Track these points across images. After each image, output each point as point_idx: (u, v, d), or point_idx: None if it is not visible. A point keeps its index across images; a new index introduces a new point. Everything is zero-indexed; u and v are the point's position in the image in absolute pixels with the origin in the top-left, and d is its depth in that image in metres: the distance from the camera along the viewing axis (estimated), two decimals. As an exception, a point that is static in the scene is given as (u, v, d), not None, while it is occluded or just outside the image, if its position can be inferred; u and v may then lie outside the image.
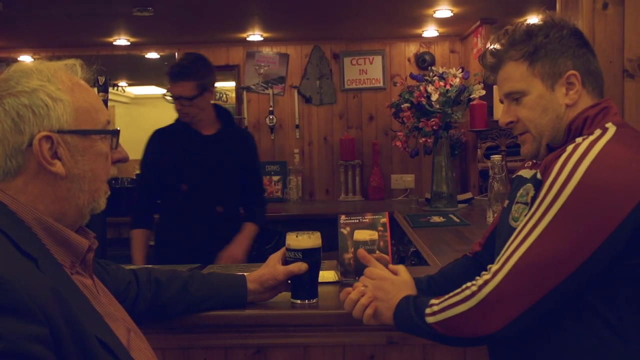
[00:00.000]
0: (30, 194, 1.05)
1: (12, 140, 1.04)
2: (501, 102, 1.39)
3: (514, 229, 1.26)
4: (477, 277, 1.21)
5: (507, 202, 1.40)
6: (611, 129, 1.22)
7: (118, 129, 1.16)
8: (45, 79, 1.07)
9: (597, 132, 1.22)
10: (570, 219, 1.13)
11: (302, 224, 3.62)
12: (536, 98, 1.30)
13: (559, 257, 1.13)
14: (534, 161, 1.38)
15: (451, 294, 1.23)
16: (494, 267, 1.18)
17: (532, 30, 1.31)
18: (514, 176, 1.44)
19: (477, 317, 1.18)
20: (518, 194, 1.31)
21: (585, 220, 1.12)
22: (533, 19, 3.93)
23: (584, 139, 1.21)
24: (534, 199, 1.24)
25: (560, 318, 1.21)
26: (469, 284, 1.22)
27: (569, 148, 1.20)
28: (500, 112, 1.40)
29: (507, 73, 1.33)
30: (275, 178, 4.66)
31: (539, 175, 1.27)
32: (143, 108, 5.36)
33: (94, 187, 1.11)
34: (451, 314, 1.21)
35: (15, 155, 1.04)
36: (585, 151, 1.16)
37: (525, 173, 1.36)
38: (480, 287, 1.18)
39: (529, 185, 1.29)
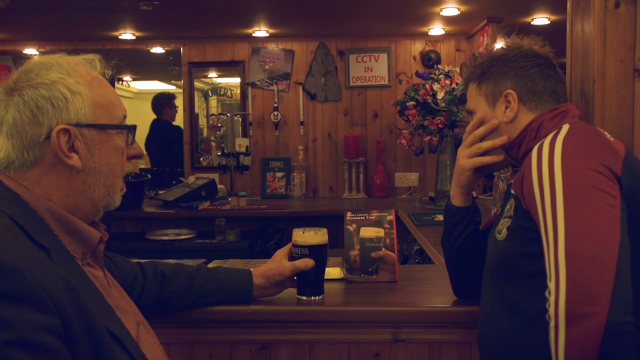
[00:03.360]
0: (45, 186, 1.05)
1: (30, 132, 1.04)
2: None
3: (499, 241, 1.30)
4: (547, 317, 1.08)
5: (499, 210, 1.41)
6: (565, 127, 1.28)
7: (135, 124, 1.16)
8: (65, 72, 1.07)
9: (553, 132, 1.27)
10: (581, 196, 1.11)
11: (305, 221, 3.61)
12: (481, 115, 1.44)
13: (598, 229, 1.08)
14: None
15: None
16: (552, 284, 1.07)
17: (486, 55, 1.46)
18: (509, 182, 1.46)
19: (579, 333, 1.03)
20: (505, 209, 1.34)
21: (594, 193, 1.11)
22: (541, 19, 3.92)
23: (541, 142, 1.25)
24: (516, 210, 1.27)
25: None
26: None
27: (534, 153, 1.23)
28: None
29: (468, 93, 1.49)
30: (279, 174, 4.66)
31: (512, 190, 1.30)
32: (146, 103, 5.35)
33: (109, 182, 1.11)
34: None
35: (33, 147, 1.04)
36: (551, 147, 1.20)
37: None
38: (556, 314, 1.05)
39: (512, 199, 1.31)
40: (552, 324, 1.05)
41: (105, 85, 1.13)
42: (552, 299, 1.06)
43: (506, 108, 1.39)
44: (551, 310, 1.06)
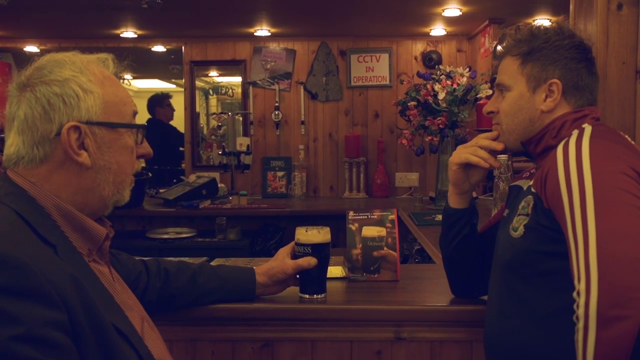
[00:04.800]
0: (54, 183, 1.06)
1: (41, 128, 1.04)
2: (488, 96, 1.44)
3: (514, 238, 1.29)
4: (574, 317, 1.07)
5: (507, 211, 1.41)
6: (587, 128, 1.26)
7: (144, 124, 1.17)
8: (78, 70, 1.08)
9: (575, 132, 1.26)
10: (611, 198, 1.11)
11: (306, 220, 3.59)
12: (516, 95, 1.36)
13: (630, 232, 1.07)
14: (531, 171, 1.41)
15: None
16: (581, 286, 1.06)
17: (536, 32, 1.36)
18: (511, 184, 1.46)
19: (611, 336, 1.02)
20: (520, 206, 1.32)
21: (624, 195, 1.11)
22: (543, 20, 3.93)
23: (566, 141, 1.23)
24: (535, 208, 1.26)
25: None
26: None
27: (559, 152, 1.21)
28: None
29: (503, 66, 1.39)
30: (280, 174, 4.66)
31: (533, 189, 1.29)
32: (146, 102, 5.36)
33: (119, 180, 1.12)
34: None
35: (43, 144, 1.05)
36: (577, 148, 1.19)
37: (523, 183, 1.39)
38: (586, 315, 1.04)
39: (530, 197, 1.30)
40: (580, 325, 1.05)
41: (117, 84, 1.13)
42: (581, 300, 1.05)
43: (547, 97, 1.33)
44: (580, 311, 1.05)
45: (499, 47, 1.42)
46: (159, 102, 5.24)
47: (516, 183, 1.43)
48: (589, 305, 1.03)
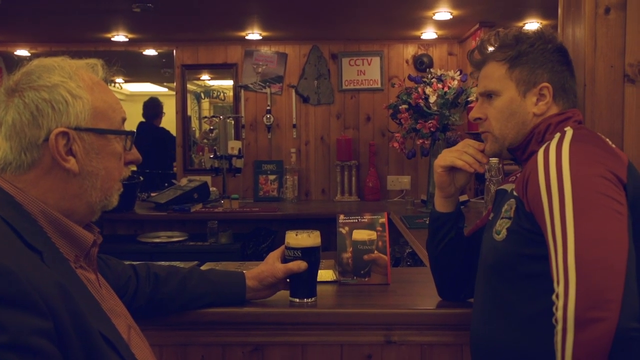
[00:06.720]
0: (41, 189, 1.05)
1: (29, 134, 1.04)
2: (476, 99, 1.45)
3: (497, 242, 1.30)
4: (554, 320, 1.08)
5: (492, 214, 1.41)
6: (569, 131, 1.27)
7: (134, 131, 1.16)
8: (67, 75, 1.07)
9: (557, 135, 1.27)
10: (589, 202, 1.12)
11: (297, 223, 3.62)
12: (507, 101, 1.36)
13: (608, 236, 1.09)
14: (517, 175, 1.41)
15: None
16: (560, 288, 1.08)
17: (520, 36, 1.36)
18: (497, 188, 1.47)
19: (588, 338, 1.03)
20: (503, 210, 1.33)
21: (602, 199, 1.12)
22: (533, 24, 3.95)
23: (547, 145, 1.24)
24: (517, 211, 1.27)
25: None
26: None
27: (540, 156, 1.22)
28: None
29: (488, 72, 1.39)
30: (272, 177, 4.66)
31: (515, 192, 1.30)
32: (138, 105, 5.35)
33: (106, 186, 1.11)
34: None
35: (31, 149, 1.04)
36: (558, 151, 1.20)
37: (508, 187, 1.39)
38: (564, 318, 1.05)
39: (512, 200, 1.31)
40: (559, 327, 1.06)
41: (106, 90, 1.13)
42: (560, 303, 1.06)
43: (538, 100, 1.34)
44: (559, 314, 1.06)
45: (478, 56, 1.42)
46: (157, 114, 5.25)
47: (502, 187, 1.44)
48: (567, 307, 1.05)
